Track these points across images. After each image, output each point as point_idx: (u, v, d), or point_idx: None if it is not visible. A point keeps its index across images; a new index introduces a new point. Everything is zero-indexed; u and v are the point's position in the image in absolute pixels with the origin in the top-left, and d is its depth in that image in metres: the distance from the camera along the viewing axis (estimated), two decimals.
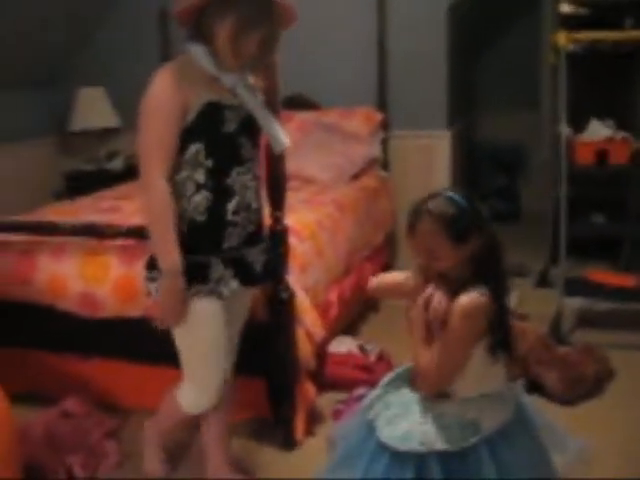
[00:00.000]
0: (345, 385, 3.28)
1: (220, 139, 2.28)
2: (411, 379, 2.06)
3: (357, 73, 4.90)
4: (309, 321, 2.98)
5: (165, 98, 2.20)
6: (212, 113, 2.26)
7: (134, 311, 2.95)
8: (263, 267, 2.48)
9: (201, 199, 2.29)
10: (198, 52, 2.26)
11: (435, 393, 1.97)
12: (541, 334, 3.50)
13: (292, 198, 3.22)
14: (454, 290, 1.92)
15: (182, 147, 2.25)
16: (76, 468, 2.79)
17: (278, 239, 2.79)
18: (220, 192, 2.30)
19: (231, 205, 2.32)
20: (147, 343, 2.81)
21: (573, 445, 2.11)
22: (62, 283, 3.07)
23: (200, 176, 2.28)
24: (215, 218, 2.31)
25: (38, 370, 3.25)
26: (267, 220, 2.81)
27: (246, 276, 2.41)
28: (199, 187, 2.28)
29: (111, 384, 3.15)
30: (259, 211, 2.45)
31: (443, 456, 1.89)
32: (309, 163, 4.37)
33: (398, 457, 1.91)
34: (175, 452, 2.85)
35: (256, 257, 2.44)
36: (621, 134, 4.01)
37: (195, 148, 2.26)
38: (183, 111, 2.22)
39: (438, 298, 1.94)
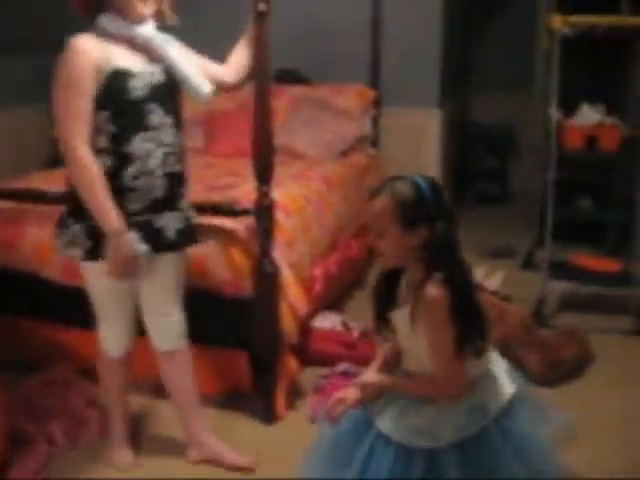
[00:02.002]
0: (327, 361, 3.30)
1: (124, 106, 2.33)
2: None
3: (350, 49, 4.87)
4: (293, 295, 2.99)
5: (77, 67, 2.28)
6: (118, 81, 2.32)
7: None
8: (177, 234, 2.49)
9: (101, 164, 2.33)
10: (105, 20, 2.36)
11: (465, 389, 1.94)
12: (523, 316, 3.52)
13: (280, 173, 3.21)
14: (416, 285, 1.92)
15: (93, 114, 2.31)
16: (58, 436, 2.80)
17: (264, 213, 2.79)
18: (120, 157, 2.35)
19: (130, 170, 2.36)
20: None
21: (557, 417, 2.14)
22: (45, 251, 3.06)
23: (102, 141, 2.34)
24: (114, 183, 2.35)
25: (21, 338, 3.26)
26: (253, 194, 2.82)
27: (156, 242, 2.44)
28: (99, 151, 2.34)
29: (93, 353, 3.14)
30: (170, 178, 2.44)
31: (454, 446, 1.90)
32: (298, 138, 4.36)
33: (405, 451, 1.92)
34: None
35: (167, 223, 2.46)
36: (611, 120, 4.01)
37: (102, 115, 2.32)
38: (94, 77, 2.29)
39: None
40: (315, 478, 2.09)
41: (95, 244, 2.37)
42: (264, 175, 2.78)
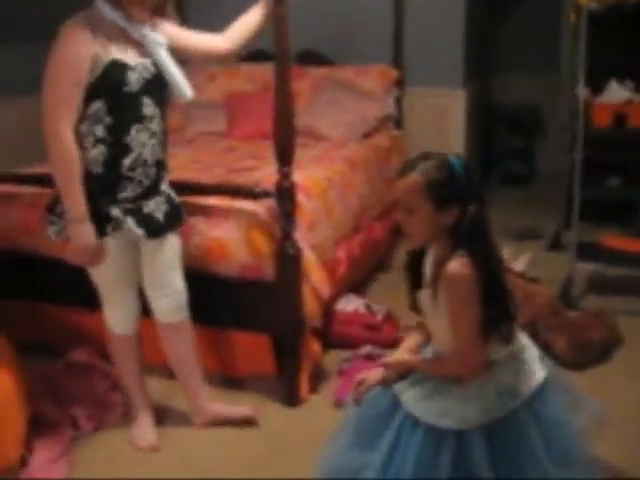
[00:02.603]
0: (351, 344, 3.27)
1: (121, 98, 2.38)
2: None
3: (373, 29, 4.80)
4: (316, 278, 2.96)
5: (73, 52, 2.30)
6: (116, 73, 2.35)
7: None
8: (165, 217, 2.56)
9: (98, 153, 2.40)
10: (104, 6, 2.36)
11: (484, 369, 1.92)
12: (550, 298, 3.47)
13: (302, 155, 3.19)
14: (439, 262, 1.91)
15: (86, 101, 2.35)
16: (81, 420, 2.81)
17: (285, 196, 2.76)
18: (117, 148, 2.41)
19: (127, 161, 2.43)
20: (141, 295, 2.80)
21: (588, 405, 2.11)
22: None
23: (99, 131, 2.39)
24: (111, 172, 2.43)
25: (45, 322, 3.27)
26: (274, 176, 2.79)
27: (149, 227, 2.51)
28: (97, 141, 2.40)
29: None
30: (158, 166, 2.53)
31: (484, 427, 1.88)
32: (321, 120, 4.32)
33: (434, 433, 1.90)
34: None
35: (155, 208, 2.53)
36: None
37: (97, 104, 2.37)
38: (90, 66, 2.31)
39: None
40: (342, 461, 2.08)
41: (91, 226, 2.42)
42: (285, 157, 2.75)
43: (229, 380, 3.08)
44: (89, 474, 2.59)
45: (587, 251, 3.92)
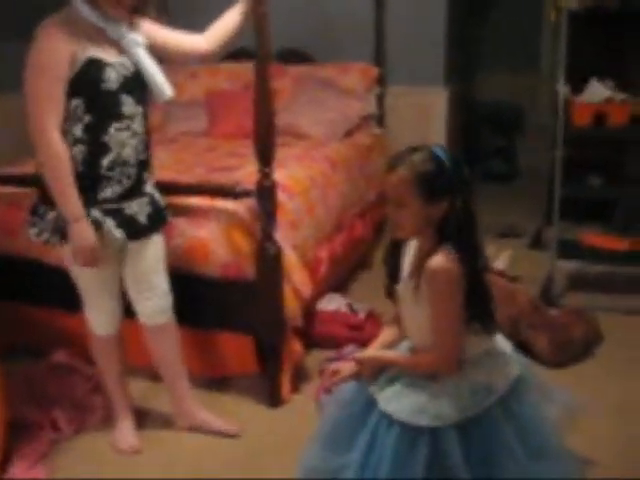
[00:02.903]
0: (333, 343, 3.26)
1: (99, 96, 2.36)
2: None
3: (354, 27, 4.78)
4: (297, 278, 2.95)
5: (52, 51, 2.28)
6: (93, 70, 2.33)
7: None
8: (148, 219, 2.54)
9: (77, 152, 2.37)
10: (81, 5, 2.34)
11: (458, 367, 1.92)
12: (531, 297, 3.48)
13: (283, 154, 3.17)
14: (424, 255, 1.90)
15: (65, 100, 2.33)
16: (62, 422, 2.79)
17: (266, 195, 2.75)
18: (96, 147, 2.38)
19: (106, 160, 2.40)
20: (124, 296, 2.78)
21: (561, 397, 2.13)
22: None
23: (78, 130, 2.37)
24: (89, 172, 2.39)
25: (25, 324, 3.23)
26: (255, 175, 2.78)
27: (131, 229, 2.48)
28: (76, 141, 2.37)
29: None
30: (139, 166, 2.50)
31: (458, 425, 1.88)
32: (302, 118, 4.30)
33: (409, 431, 1.89)
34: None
35: (138, 209, 2.50)
36: (620, 95, 3.93)
37: (75, 103, 2.34)
38: (69, 64, 2.29)
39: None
40: (320, 462, 2.07)
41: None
42: (265, 156, 2.74)
43: (211, 380, 3.06)
44: (69, 477, 2.56)
45: (568, 249, 3.94)
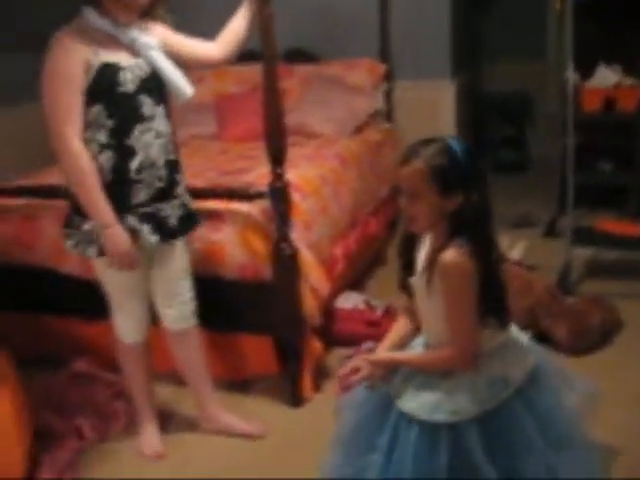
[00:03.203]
0: (352, 341, 3.26)
1: (118, 99, 2.36)
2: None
3: (358, 24, 4.79)
4: (314, 277, 2.96)
5: (66, 61, 2.30)
6: (108, 74, 2.34)
7: None
8: (179, 221, 2.53)
9: (105, 159, 2.37)
10: (91, 14, 2.35)
11: (475, 362, 1.90)
12: (548, 285, 3.47)
13: (294, 153, 3.18)
14: (437, 249, 1.89)
15: (85, 108, 2.34)
16: (86, 430, 2.81)
17: (279, 196, 2.76)
18: (122, 151, 2.38)
19: (134, 164, 2.40)
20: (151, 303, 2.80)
21: (581, 385, 2.10)
22: (64, 247, 3.04)
23: (102, 137, 2.37)
24: (119, 177, 2.39)
25: (44, 334, 3.26)
26: (267, 177, 2.79)
27: (163, 232, 2.50)
28: (102, 147, 2.37)
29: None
30: (169, 167, 2.50)
31: (477, 419, 1.87)
32: (311, 117, 4.31)
33: (429, 428, 1.89)
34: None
35: (171, 212, 2.51)
36: (629, 80, 3.92)
37: (96, 109, 2.35)
38: (84, 71, 2.30)
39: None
40: (342, 466, 2.07)
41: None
42: (277, 157, 2.75)
43: (232, 383, 3.08)
44: None
45: (583, 236, 3.92)
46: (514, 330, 2.03)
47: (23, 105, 5.00)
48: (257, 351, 2.99)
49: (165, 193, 2.49)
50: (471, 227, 1.86)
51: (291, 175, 2.88)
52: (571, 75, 3.81)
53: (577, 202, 3.88)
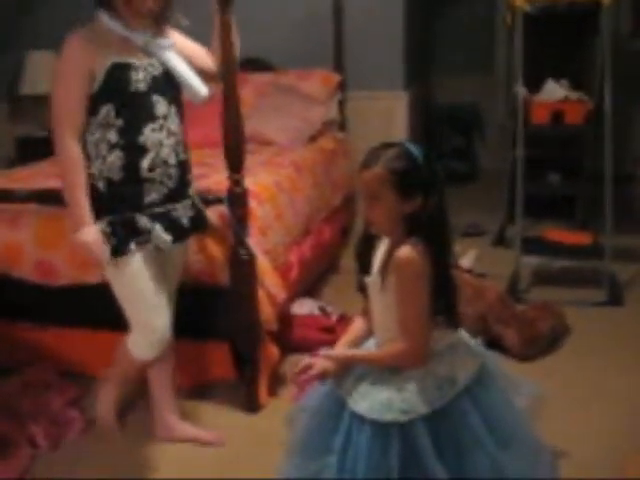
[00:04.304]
0: (308, 347, 3.28)
1: (129, 98, 2.37)
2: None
3: (313, 34, 4.84)
4: (270, 283, 2.97)
5: (72, 63, 2.32)
6: (119, 73, 2.35)
7: (91, 277, 2.88)
8: (190, 222, 2.56)
9: (115, 158, 2.38)
10: (104, 17, 2.37)
11: (426, 358, 1.95)
12: (500, 292, 3.55)
13: (250, 160, 3.19)
14: (393, 248, 1.94)
15: (94, 109, 2.36)
16: (39, 438, 2.76)
17: (237, 202, 2.77)
18: (133, 150, 2.38)
19: (145, 162, 2.40)
20: (106, 309, 2.76)
21: (526, 389, 2.17)
22: (17, 251, 3.00)
23: (112, 136, 2.37)
24: (131, 176, 2.40)
25: None
26: (224, 183, 2.80)
27: (175, 232, 2.51)
28: (112, 146, 2.37)
29: (71, 352, 3.11)
30: (180, 167, 2.51)
31: (427, 418, 1.91)
32: (266, 125, 4.33)
33: (381, 428, 1.92)
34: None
35: (182, 212, 2.54)
36: (576, 94, 4.05)
37: (106, 109, 2.36)
38: (91, 75, 2.32)
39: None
40: (299, 469, 2.09)
41: (120, 240, 2.39)
42: (236, 163, 2.76)
43: (188, 388, 3.06)
44: None
45: (531, 245, 4.03)
46: (463, 334, 2.09)
47: None
48: (214, 357, 2.99)
49: (177, 193, 2.50)
50: (428, 228, 1.92)
51: (247, 182, 2.89)
52: (520, 89, 3.92)
53: (525, 212, 3.98)
